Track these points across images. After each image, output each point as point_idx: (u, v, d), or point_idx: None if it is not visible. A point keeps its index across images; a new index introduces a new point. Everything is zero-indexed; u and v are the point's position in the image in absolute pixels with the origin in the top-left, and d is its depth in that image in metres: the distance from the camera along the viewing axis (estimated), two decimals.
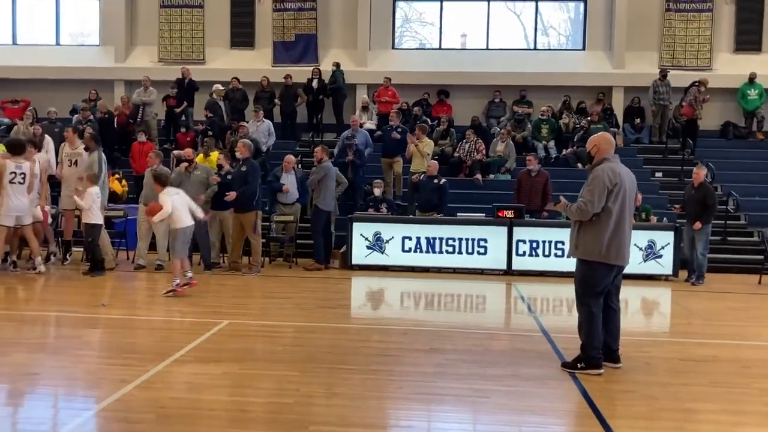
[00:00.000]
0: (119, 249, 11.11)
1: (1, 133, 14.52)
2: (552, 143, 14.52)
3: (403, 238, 10.85)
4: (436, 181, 11.62)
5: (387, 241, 10.86)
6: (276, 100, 15.56)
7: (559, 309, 8.92)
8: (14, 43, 17.89)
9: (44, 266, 9.64)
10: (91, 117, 14.55)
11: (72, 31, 17.91)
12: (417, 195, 11.86)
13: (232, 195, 10.04)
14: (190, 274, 8.39)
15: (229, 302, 8.42)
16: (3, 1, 17.89)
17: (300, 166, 12.35)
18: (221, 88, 15.06)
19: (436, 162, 11.97)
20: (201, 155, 11.52)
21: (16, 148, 9.73)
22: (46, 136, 11.87)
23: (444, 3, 17.36)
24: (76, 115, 14.77)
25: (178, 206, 8.27)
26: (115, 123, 14.84)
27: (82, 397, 4.83)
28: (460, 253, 10.81)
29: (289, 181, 11.28)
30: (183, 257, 8.36)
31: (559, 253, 10.55)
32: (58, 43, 17.79)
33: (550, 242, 10.69)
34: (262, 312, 7.74)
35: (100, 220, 9.69)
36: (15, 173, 9.41)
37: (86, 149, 10.56)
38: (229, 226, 10.49)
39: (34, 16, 17.91)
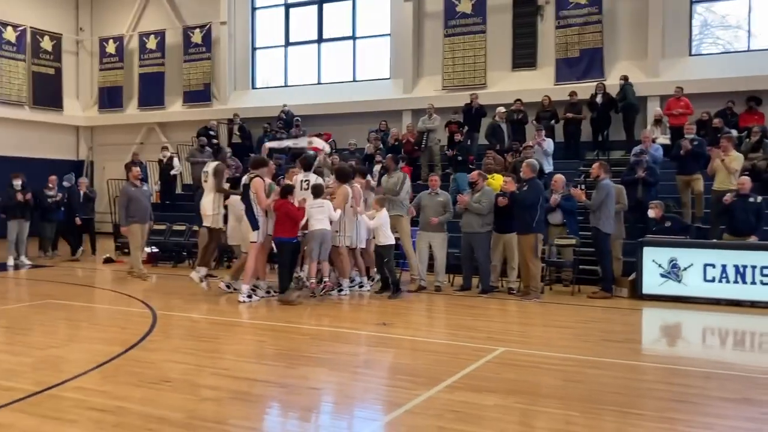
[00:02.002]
0: (402, 269, 11.49)
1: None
2: None
3: (705, 265, 9.48)
4: (752, 200, 10.04)
5: (685, 269, 9.59)
6: (562, 116, 15.03)
7: None
8: (319, 82, 19.94)
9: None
10: (381, 146, 15.51)
11: (367, 68, 19.37)
12: (728, 218, 10.34)
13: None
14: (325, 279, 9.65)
15: (506, 328, 8.10)
16: (311, 48, 20.10)
17: (584, 187, 11.65)
18: (503, 110, 15.00)
19: (748, 178, 10.34)
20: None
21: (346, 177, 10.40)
22: None
23: (753, 1, 15.28)
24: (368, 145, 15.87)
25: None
26: (402, 150, 15.61)
27: (356, 418, 4.85)
28: None
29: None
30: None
31: None
32: (354, 80, 19.39)
33: None
34: (541, 341, 7.23)
35: (387, 241, 10.02)
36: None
37: (386, 169, 11.19)
38: (513, 249, 10.21)
39: (337, 58, 19.78)
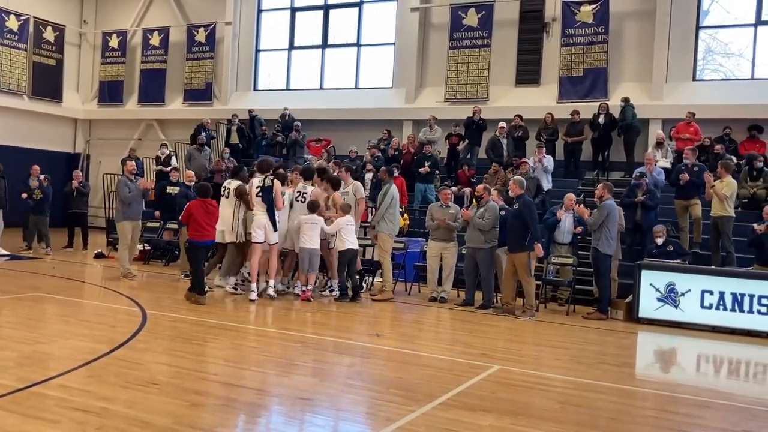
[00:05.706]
0: (397, 280, 11.36)
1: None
2: None
3: (703, 291, 9.41)
4: None
5: (682, 294, 9.52)
6: (563, 137, 14.97)
7: None
8: (321, 87, 19.86)
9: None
10: (379, 154, 15.42)
11: (370, 76, 19.29)
12: (757, 248, 10.28)
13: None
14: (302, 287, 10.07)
15: (501, 346, 7.98)
16: (315, 53, 20.03)
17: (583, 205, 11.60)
18: (505, 125, 14.95)
19: None
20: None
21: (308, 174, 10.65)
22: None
23: (758, 29, 15.30)
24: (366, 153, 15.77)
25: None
26: (402, 160, 15.51)
27: None
28: None
29: (567, 221, 10.85)
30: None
31: None
32: (356, 87, 19.31)
33: None
34: (535, 361, 7.13)
35: (347, 246, 9.95)
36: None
37: (381, 181, 11.15)
38: (502, 265, 10.14)
39: (340, 64, 19.70)
